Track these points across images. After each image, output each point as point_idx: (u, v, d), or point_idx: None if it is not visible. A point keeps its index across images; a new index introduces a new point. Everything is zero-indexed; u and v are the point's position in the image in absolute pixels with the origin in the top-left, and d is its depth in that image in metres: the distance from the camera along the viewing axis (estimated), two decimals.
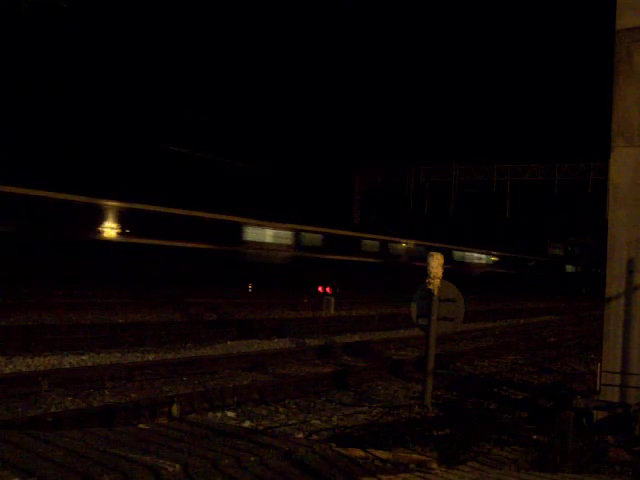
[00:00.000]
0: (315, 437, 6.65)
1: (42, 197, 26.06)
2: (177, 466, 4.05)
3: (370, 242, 42.66)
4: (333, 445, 5.17)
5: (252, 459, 4.41)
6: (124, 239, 28.95)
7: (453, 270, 47.69)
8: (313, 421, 7.54)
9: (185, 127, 41.44)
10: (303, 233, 37.87)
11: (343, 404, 8.59)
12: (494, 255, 57.63)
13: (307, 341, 15.03)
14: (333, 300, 23.77)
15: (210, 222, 32.44)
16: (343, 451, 5.01)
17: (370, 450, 5.16)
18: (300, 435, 6.65)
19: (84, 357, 10.94)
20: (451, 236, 50.23)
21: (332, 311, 23.21)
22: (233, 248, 33.69)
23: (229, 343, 13.91)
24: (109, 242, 28.50)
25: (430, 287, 8.34)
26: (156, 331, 14.86)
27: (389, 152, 52.81)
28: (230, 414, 7.64)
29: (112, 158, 37.72)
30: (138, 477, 3.86)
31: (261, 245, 35.23)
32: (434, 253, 8.42)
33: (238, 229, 34.09)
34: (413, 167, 48.61)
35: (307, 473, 4.41)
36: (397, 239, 44.62)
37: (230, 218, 33.55)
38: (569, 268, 72.70)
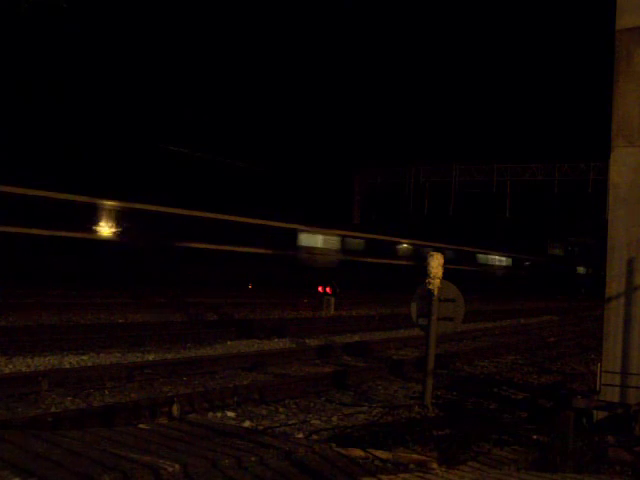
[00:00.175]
0: (315, 437, 6.66)
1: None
2: (177, 466, 4.05)
3: (405, 246, 45.94)
4: (333, 445, 5.18)
5: (252, 459, 4.41)
6: (220, 246, 32.34)
7: (480, 272, 52.51)
8: (313, 421, 7.54)
9: (185, 127, 41.45)
10: (347, 238, 40.65)
11: (343, 404, 8.59)
12: (517, 259, 61.17)
13: (307, 341, 15.03)
14: (333, 300, 23.78)
15: (274, 229, 35.33)
16: (343, 451, 5.01)
17: (370, 450, 5.16)
18: (300, 435, 6.65)
19: (84, 357, 10.94)
20: (478, 240, 54.43)
21: (332, 311, 23.21)
22: (293, 253, 36.63)
23: (229, 343, 13.91)
24: (202, 249, 31.57)
25: (430, 287, 8.34)
26: (156, 331, 14.86)
27: (389, 152, 52.82)
28: (230, 414, 7.64)
29: (112, 158, 37.74)
30: (138, 477, 3.86)
31: (313, 249, 38.00)
32: (434, 253, 8.43)
33: (295, 235, 36.89)
34: (413, 167, 48.62)
35: (307, 473, 4.41)
36: (429, 243, 47.16)
37: (289, 225, 36.50)
38: (580, 270, 73.12)
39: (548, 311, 32.37)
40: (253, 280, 33.44)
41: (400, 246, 45.62)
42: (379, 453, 5.14)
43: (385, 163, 49.93)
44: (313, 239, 38.06)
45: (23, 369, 9.62)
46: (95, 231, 28.05)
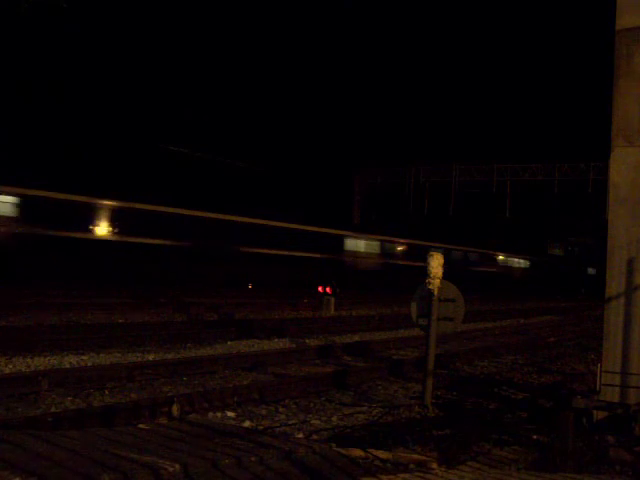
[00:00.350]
0: (315, 437, 6.65)
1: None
2: (177, 466, 4.05)
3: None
4: (333, 445, 5.18)
5: (252, 459, 4.41)
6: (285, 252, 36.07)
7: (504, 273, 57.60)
8: (313, 421, 7.54)
9: (185, 127, 41.44)
10: (387, 243, 44.69)
11: (343, 404, 8.58)
12: (533, 261, 66.66)
13: (307, 341, 15.03)
14: (333, 300, 23.77)
15: (324, 235, 39.15)
16: (343, 451, 5.01)
17: (370, 450, 5.16)
18: (300, 435, 6.64)
19: (84, 357, 10.94)
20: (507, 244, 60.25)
21: (332, 311, 23.21)
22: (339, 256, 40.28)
23: (229, 343, 13.91)
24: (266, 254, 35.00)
25: (430, 287, 8.34)
26: (156, 331, 14.86)
27: (389, 152, 52.79)
28: (230, 414, 7.64)
29: (112, 158, 37.74)
30: (138, 477, 3.86)
31: (357, 253, 41.94)
32: (434, 253, 8.42)
33: (341, 241, 40.83)
34: (413, 167, 48.58)
35: (307, 473, 4.41)
36: (458, 247, 52.06)
37: (336, 232, 40.32)
38: (591, 271, 73.53)
39: (550, 311, 32.38)
40: (311, 282, 35.33)
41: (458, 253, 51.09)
42: (379, 453, 5.14)
43: (385, 163, 49.91)
44: (360, 245, 42.29)
45: (23, 369, 9.62)
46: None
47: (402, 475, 4.63)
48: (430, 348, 8.39)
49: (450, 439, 6.48)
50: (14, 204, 25.30)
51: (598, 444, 6.06)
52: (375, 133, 58.45)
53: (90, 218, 27.92)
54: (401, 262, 44.59)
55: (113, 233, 28.62)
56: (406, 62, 73.79)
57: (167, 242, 30.61)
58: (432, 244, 46.08)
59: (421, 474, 4.68)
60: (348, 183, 50.88)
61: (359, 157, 51.65)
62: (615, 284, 7.31)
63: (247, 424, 7.11)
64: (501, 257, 60.14)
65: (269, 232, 35.36)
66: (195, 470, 4.09)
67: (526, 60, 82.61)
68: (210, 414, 7.59)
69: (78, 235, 27.36)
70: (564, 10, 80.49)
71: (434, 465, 4.98)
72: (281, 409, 8.16)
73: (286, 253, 36.26)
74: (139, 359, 11.07)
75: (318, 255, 38.17)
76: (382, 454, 5.13)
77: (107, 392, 8.60)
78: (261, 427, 6.95)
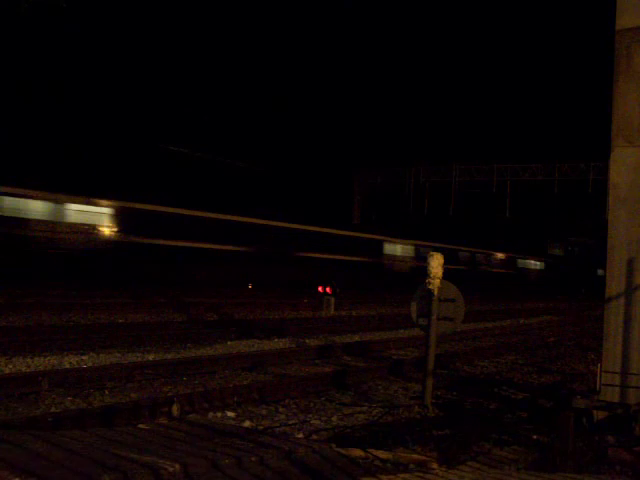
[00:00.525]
0: (315, 437, 6.65)
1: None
2: (177, 466, 4.05)
3: (463, 253, 53.76)
4: (333, 445, 5.18)
5: (252, 459, 4.41)
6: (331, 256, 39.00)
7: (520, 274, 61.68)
8: (313, 421, 7.54)
9: (185, 127, 41.43)
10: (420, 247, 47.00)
11: (343, 404, 8.58)
12: (547, 263, 70.80)
13: (307, 341, 15.03)
14: (333, 300, 23.76)
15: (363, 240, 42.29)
16: (343, 451, 5.01)
17: (370, 450, 5.16)
18: (300, 435, 6.64)
19: (84, 357, 10.94)
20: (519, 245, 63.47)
21: (332, 311, 23.20)
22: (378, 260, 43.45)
23: (229, 343, 13.91)
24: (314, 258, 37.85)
25: (430, 287, 8.34)
26: (156, 331, 14.86)
27: (389, 152, 52.77)
28: (230, 414, 7.64)
29: (112, 158, 37.73)
30: (138, 477, 3.86)
31: (394, 257, 45.26)
32: (434, 253, 8.43)
33: (380, 245, 43.99)
34: (413, 167, 48.57)
35: (307, 473, 4.41)
36: (485, 250, 55.74)
37: (375, 237, 43.48)
38: (601, 272, 73.84)
39: (550, 311, 32.39)
40: (353, 284, 36.75)
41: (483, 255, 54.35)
42: (379, 453, 5.14)
43: (385, 163, 49.91)
44: (395, 249, 45.47)
45: (23, 369, 9.63)
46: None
47: (402, 475, 4.63)
48: (430, 348, 8.39)
49: (450, 439, 6.48)
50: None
51: (598, 444, 6.06)
52: (375, 133, 58.42)
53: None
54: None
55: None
56: (406, 62, 73.82)
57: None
58: (459, 247, 50.17)
59: (421, 474, 4.68)
60: (348, 183, 50.90)
61: (359, 157, 51.70)
62: (615, 284, 7.31)
63: (247, 424, 7.12)
64: (519, 259, 63.09)
65: (334, 240, 38.91)
66: (195, 470, 4.09)
67: (526, 60, 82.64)
68: (210, 414, 7.59)
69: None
70: (564, 10, 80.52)
71: (434, 465, 4.98)
72: (281, 409, 8.17)
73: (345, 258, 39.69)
74: (139, 359, 11.07)
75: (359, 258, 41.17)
76: (382, 454, 5.13)
77: (107, 392, 8.60)
78: (261, 427, 6.95)
